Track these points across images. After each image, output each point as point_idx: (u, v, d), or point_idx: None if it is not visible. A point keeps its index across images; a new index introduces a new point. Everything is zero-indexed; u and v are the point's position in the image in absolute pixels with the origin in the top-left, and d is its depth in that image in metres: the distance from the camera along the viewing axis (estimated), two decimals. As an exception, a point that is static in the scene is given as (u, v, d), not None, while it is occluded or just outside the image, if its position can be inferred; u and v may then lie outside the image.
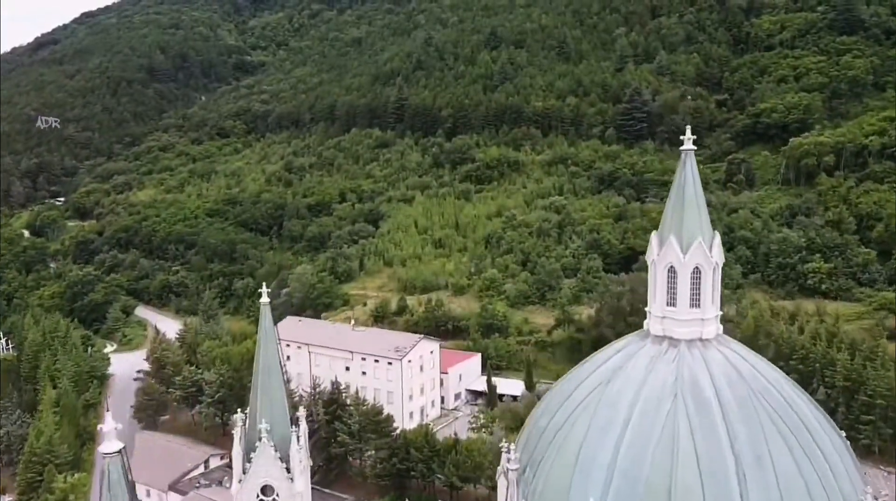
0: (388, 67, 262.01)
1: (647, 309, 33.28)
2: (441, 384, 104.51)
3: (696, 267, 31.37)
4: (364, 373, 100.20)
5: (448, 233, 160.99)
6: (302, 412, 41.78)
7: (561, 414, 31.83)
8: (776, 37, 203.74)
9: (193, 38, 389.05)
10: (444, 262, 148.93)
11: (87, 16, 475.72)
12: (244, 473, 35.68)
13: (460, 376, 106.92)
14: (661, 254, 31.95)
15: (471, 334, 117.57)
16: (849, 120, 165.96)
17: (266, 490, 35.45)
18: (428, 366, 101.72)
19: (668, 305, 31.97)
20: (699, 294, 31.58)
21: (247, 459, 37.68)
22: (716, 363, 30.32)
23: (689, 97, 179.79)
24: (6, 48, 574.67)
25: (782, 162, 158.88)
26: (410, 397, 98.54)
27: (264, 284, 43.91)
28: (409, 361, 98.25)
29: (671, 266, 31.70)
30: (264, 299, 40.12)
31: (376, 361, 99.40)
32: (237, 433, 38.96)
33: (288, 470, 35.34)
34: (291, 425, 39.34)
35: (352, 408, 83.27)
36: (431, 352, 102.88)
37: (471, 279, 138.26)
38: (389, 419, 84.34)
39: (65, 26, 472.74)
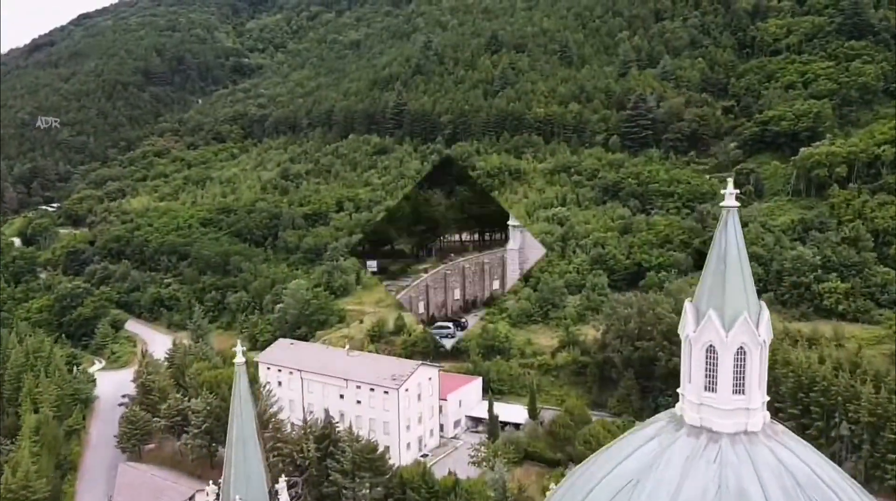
0: (387, 71, 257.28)
1: (679, 391, 28.48)
2: (440, 411, 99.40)
3: (741, 347, 26.54)
4: (359, 402, 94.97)
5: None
6: (282, 484, 37.89)
7: (580, 519, 26.97)
8: (783, 41, 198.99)
9: (190, 41, 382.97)
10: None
11: (83, 17, 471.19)
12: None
13: (460, 402, 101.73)
14: (698, 331, 26.98)
15: (471, 356, 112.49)
16: (859, 128, 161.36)
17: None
18: (426, 394, 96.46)
19: (706, 390, 27.12)
20: (743, 378, 26.69)
21: (220, 537, 33.59)
22: (765, 464, 25.36)
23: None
24: (4, 49, 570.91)
25: (792, 173, 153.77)
26: (408, 427, 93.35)
27: (239, 342, 39.61)
28: (407, 389, 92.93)
29: (711, 345, 26.87)
30: (239, 358, 36.07)
31: (372, 389, 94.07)
32: (210, 507, 35.04)
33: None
34: (270, 499, 35.93)
35: (345, 444, 78.22)
36: (430, 379, 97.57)
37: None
38: (385, 455, 79.42)
39: (61, 28, 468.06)
